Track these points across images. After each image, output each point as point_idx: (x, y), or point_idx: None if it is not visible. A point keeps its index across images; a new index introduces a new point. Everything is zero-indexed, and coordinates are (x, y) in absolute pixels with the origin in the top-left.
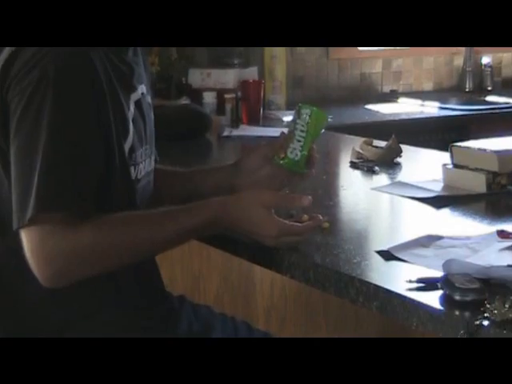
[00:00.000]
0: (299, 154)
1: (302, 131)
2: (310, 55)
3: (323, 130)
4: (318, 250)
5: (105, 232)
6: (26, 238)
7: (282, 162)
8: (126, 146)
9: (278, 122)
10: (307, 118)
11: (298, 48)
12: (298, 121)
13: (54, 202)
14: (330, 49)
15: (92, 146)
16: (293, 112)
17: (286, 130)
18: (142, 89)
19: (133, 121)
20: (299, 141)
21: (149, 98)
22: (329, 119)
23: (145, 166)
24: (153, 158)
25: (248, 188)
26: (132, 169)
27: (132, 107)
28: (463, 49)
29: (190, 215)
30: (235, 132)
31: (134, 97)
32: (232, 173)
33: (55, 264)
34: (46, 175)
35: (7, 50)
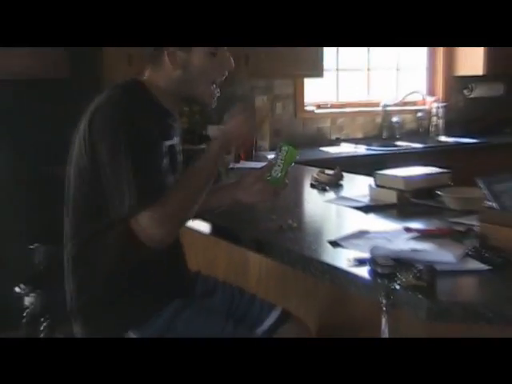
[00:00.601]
0: (279, 174)
1: (281, 160)
2: (285, 115)
3: (296, 159)
4: (289, 241)
5: (172, 206)
6: (138, 224)
7: (268, 178)
8: None
9: (264, 159)
10: (285, 152)
11: (277, 111)
12: (279, 154)
13: (148, 200)
14: (298, 111)
15: (162, 168)
16: (274, 151)
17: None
18: (175, 139)
19: (166, 157)
20: (279, 166)
21: (178, 146)
22: (297, 156)
23: None
24: None
25: (245, 198)
26: None
27: (166, 149)
28: (381, 112)
29: (205, 166)
30: (237, 165)
31: (169, 143)
32: (236, 187)
33: (156, 234)
34: (138, 181)
35: (94, 104)
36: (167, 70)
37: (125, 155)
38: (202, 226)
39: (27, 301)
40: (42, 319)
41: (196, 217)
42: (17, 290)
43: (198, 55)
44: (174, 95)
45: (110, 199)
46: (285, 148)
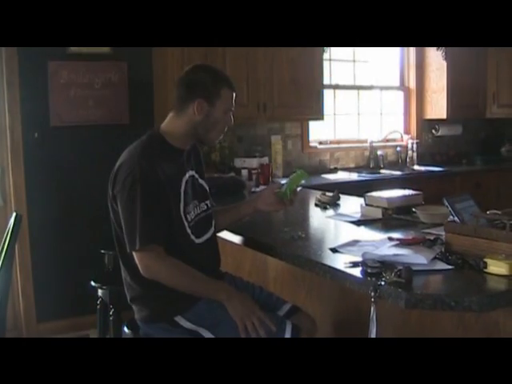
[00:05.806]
0: (284, 189)
1: (290, 179)
2: (294, 150)
3: (303, 181)
4: (299, 248)
5: (171, 268)
6: (136, 257)
7: (276, 191)
8: (181, 204)
9: (278, 184)
10: (295, 174)
11: (288, 147)
12: (291, 176)
13: (145, 241)
14: (304, 147)
15: (162, 212)
16: (286, 179)
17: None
18: (191, 173)
19: (184, 190)
20: (287, 183)
21: (197, 176)
22: (304, 178)
23: (194, 211)
24: (201, 206)
25: (263, 207)
26: (188, 215)
27: (184, 183)
28: (369, 147)
29: (214, 289)
30: (257, 189)
31: (185, 178)
32: (256, 199)
33: (148, 271)
34: (141, 227)
35: (116, 166)
36: (190, 115)
37: (139, 205)
38: (230, 236)
39: (100, 292)
40: (111, 306)
41: (226, 229)
42: (92, 283)
43: (219, 109)
44: (186, 136)
45: (126, 238)
46: (296, 171)
